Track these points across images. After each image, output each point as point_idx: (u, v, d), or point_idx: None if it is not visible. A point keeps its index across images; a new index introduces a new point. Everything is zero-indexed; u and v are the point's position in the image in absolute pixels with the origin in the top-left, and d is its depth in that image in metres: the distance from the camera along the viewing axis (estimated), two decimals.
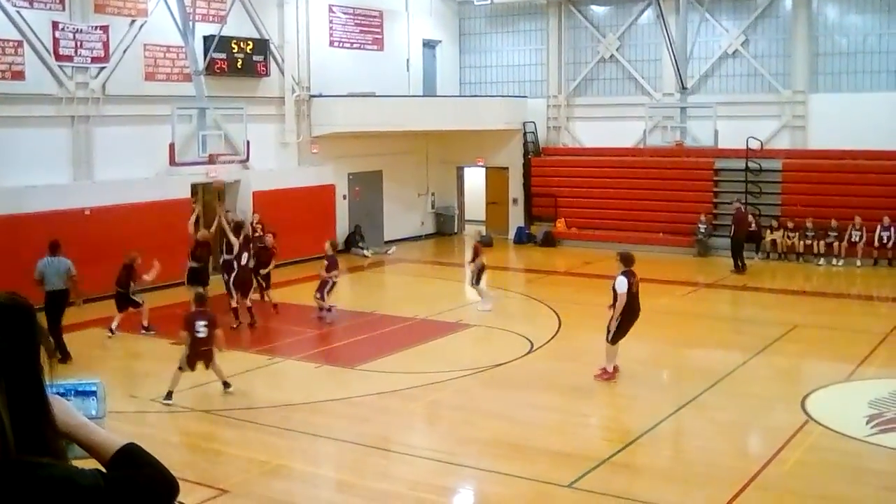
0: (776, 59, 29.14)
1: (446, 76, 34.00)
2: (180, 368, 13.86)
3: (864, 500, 10.29)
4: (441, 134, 31.93)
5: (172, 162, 22.84)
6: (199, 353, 13.87)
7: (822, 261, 26.03)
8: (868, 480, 10.89)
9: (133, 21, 23.22)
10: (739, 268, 25.06)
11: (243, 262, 19.05)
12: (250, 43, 25.96)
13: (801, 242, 26.39)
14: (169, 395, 13.68)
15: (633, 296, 14.78)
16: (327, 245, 19.98)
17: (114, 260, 18.36)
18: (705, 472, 11.16)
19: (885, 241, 25.33)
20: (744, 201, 26.62)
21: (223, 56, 25.01)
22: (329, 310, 19.46)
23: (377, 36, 30.82)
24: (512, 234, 31.85)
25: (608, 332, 14.77)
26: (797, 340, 17.85)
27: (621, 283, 14.65)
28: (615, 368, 14.84)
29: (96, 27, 22.43)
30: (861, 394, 14.06)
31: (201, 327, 13.80)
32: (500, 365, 15.88)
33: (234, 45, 25.38)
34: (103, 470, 2.25)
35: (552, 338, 17.83)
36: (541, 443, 12.15)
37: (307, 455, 12.16)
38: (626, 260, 14.91)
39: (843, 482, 10.78)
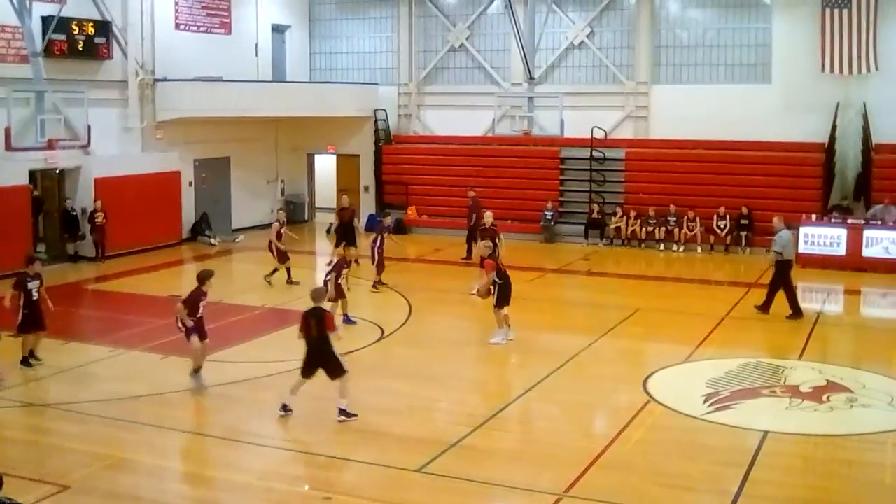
0: (620, 50, 29.97)
1: (296, 62, 33.62)
2: None
3: (700, 476, 10.73)
4: (291, 120, 31.58)
5: (8, 147, 22.07)
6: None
7: (662, 247, 26.95)
8: (704, 457, 11.36)
9: None
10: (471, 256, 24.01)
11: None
12: (92, 24, 25.10)
13: (643, 229, 27.26)
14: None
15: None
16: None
17: None
18: (552, 453, 11.42)
19: (721, 228, 26.37)
20: (475, 188, 26.28)
21: (63, 37, 24.17)
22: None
23: (224, 19, 30.22)
24: (363, 222, 31.77)
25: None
26: (639, 324, 18.45)
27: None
28: None
29: None
30: (699, 374, 14.67)
31: None
32: (351, 352, 15.84)
33: (74, 27, 24.54)
34: None
35: (403, 324, 17.92)
36: (390, 429, 12.22)
37: (154, 448, 11.86)
38: (203, 278, 14.14)
39: (682, 459, 11.23)
